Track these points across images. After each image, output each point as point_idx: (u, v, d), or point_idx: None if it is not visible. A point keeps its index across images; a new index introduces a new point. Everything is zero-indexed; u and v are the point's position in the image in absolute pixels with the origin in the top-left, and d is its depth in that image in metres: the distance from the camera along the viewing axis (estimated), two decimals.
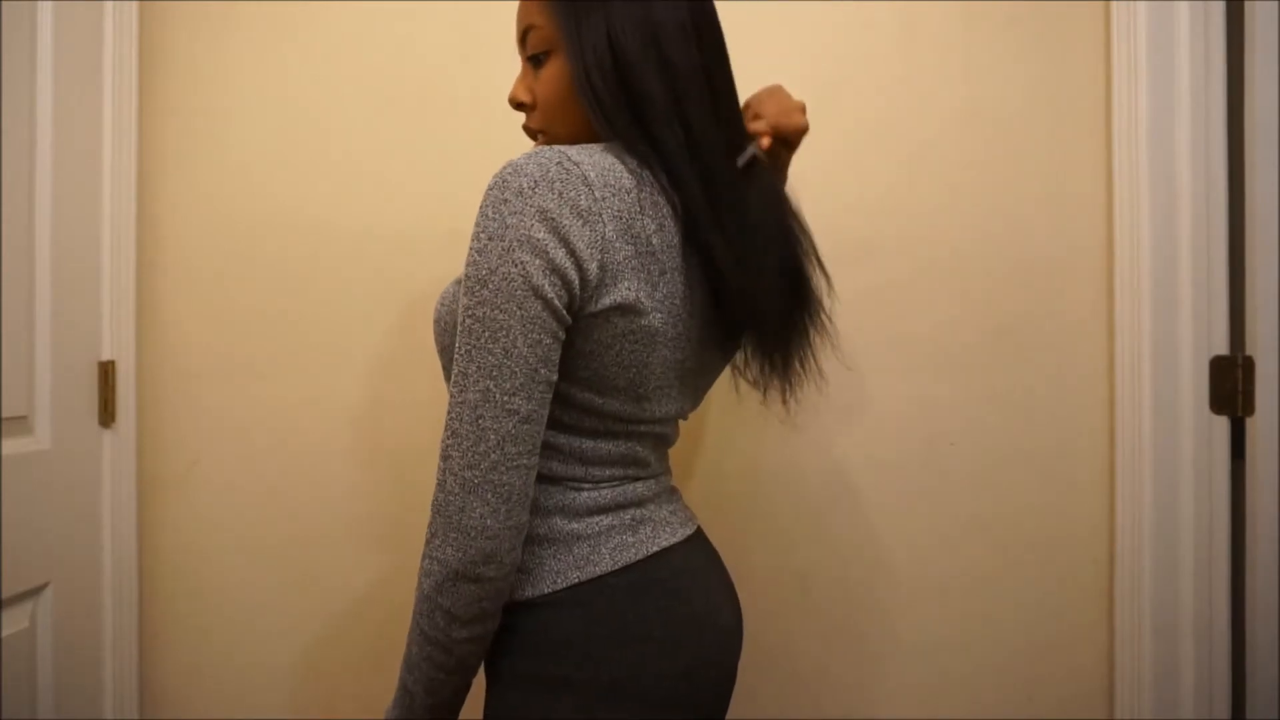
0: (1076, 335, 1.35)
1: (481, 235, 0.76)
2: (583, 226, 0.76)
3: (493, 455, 0.76)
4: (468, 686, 0.85)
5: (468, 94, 1.40)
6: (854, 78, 1.38)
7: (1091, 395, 1.35)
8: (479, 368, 0.75)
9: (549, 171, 0.77)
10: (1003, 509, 1.37)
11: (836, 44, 1.38)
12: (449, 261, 1.40)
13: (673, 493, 0.97)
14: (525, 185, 0.76)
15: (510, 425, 0.76)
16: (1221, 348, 1.29)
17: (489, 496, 0.76)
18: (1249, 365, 1.27)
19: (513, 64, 1.40)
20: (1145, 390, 1.30)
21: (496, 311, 0.75)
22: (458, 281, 0.90)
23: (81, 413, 1.31)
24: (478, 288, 0.75)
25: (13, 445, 1.17)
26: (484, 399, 0.75)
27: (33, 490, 1.20)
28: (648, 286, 0.81)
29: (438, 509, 0.77)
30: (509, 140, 1.39)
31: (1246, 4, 1.27)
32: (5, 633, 1.16)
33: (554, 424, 0.85)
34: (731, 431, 1.39)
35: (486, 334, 0.75)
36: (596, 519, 0.85)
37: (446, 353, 0.91)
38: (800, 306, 0.94)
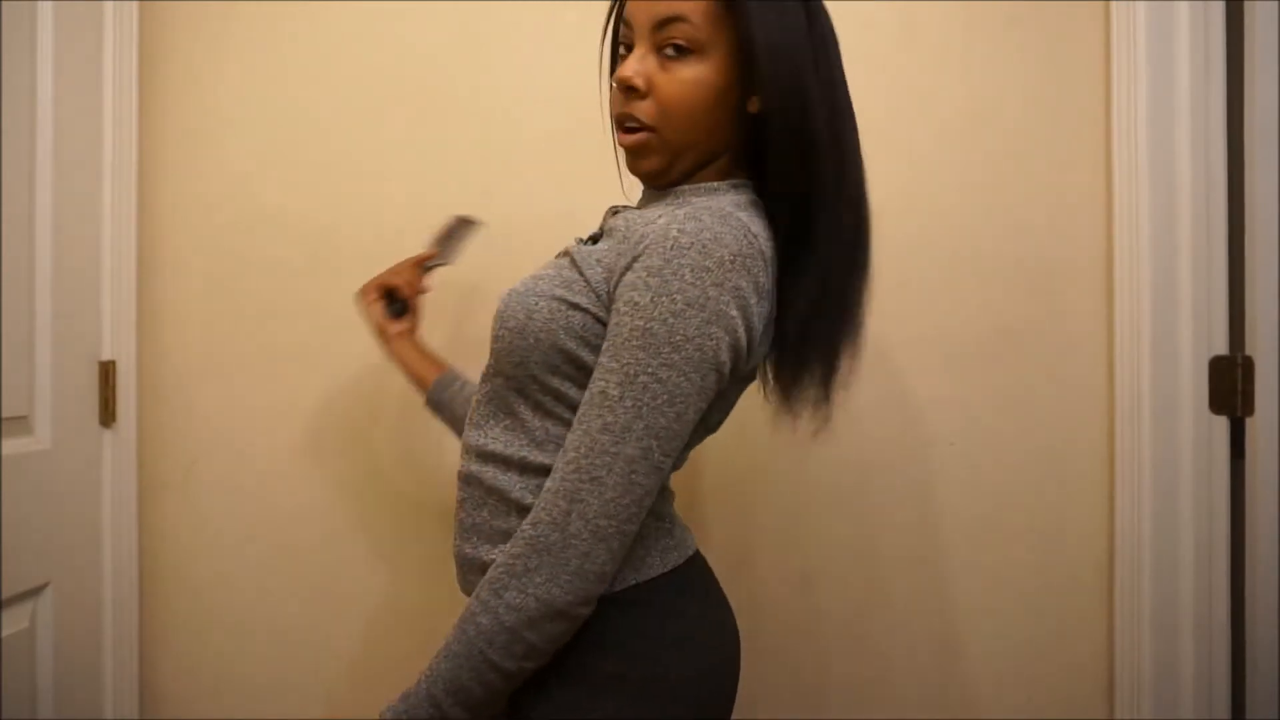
0: (1076, 335, 1.36)
1: (678, 298, 0.75)
2: (759, 304, 0.80)
3: (633, 509, 0.77)
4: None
5: (467, 94, 1.39)
6: (853, 78, 1.37)
7: (1091, 395, 1.35)
8: (647, 427, 0.76)
9: (743, 247, 0.78)
10: (1003, 509, 1.37)
11: None
12: None
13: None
14: (726, 258, 0.76)
15: (654, 481, 0.78)
16: (1221, 348, 1.29)
17: (615, 546, 0.77)
18: (1248, 365, 1.27)
19: (513, 64, 1.40)
20: (1145, 390, 1.30)
21: (682, 379, 0.76)
22: (557, 300, 0.83)
23: (81, 413, 1.30)
24: (668, 350, 0.76)
25: (13, 445, 1.17)
26: (643, 457, 0.76)
27: (33, 490, 1.20)
28: (763, 335, 0.84)
29: (547, 548, 0.76)
30: (509, 140, 1.40)
31: (1246, 4, 1.27)
32: (5, 633, 1.16)
33: None
34: (732, 432, 1.39)
35: (665, 397, 0.76)
36: (646, 522, 0.85)
37: (526, 365, 0.85)
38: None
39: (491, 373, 0.90)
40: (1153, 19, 1.29)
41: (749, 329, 0.79)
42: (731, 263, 0.76)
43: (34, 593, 1.22)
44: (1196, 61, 1.29)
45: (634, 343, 0.76)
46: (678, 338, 0.75)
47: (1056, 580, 1.36)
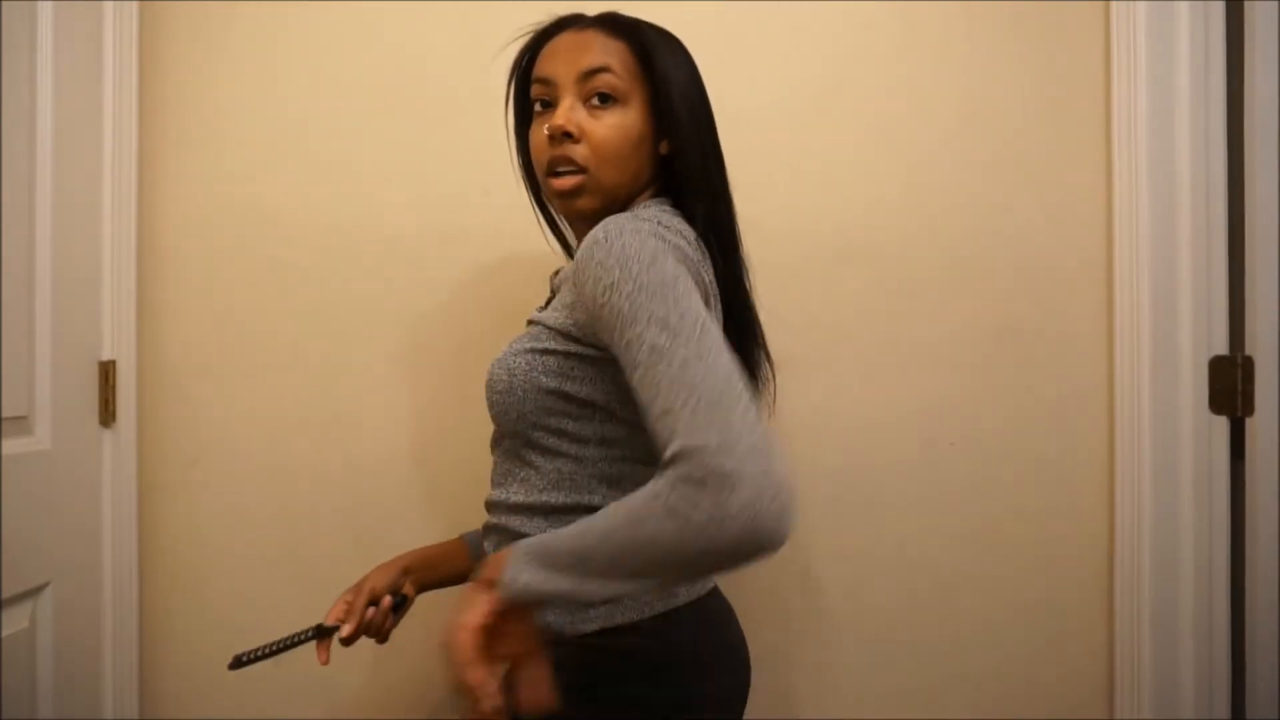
0: (1076, 335, 1.35)
1: (640, 258, 0.78)
2: (686, 248, 0.87)
3: (760, 424, 0.71)
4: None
5: (468, 93, 1.39)
6: (854, 78, 1.38)
7: (1091, 395, 1.35)
8: (717, 351, 0.73)
9: (655, 228, 0.84)
10: (1003, 509, 1.37)
11: (836, 44, 1.38)
12: (449, 262, 1.40)
13: None
14: (646, 228, 0.83)
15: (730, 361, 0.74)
16: (1221, 348, 1.29)
17: (778, 455, 0.70)
18: (1248, 365, 1.27)
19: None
20: (1145, 390, 1.30)
21: (697, 306, 0.76)
22: (530, 353, 0.90)
23: (81, 413, 1.30)
24: (667, 291, 0.76)
25: (13, 445, 1.17)
26: (730, 373, 0.72)
27: (33, 490, 1.20)
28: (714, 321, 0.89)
29: (743, 473, 0.67)
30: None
31: (1246, 4, 1.27)
32: (5, 633, 1.16)
33: (647, 459, 0.87)
34: None
35: (701, 323, 0.75)
36: None
37: (523, 418, 0.90)
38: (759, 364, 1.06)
39: (498, 436, 0.97)
40: (1153, 19, 1.29)
41: (697, 275, 0.85)
42: (651, 232, 0.82)
43: (34, 593, 1.22)
44: (1196, 61, 1.29)
45: (639, 302, 0.76)
46: (667, 279, 0.78)
47: (1056, 580, 1.36)
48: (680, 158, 0.96)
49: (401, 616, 1.09)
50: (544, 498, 0.91)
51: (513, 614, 0.74)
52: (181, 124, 1.43)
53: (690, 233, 0.92)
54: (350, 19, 1.41)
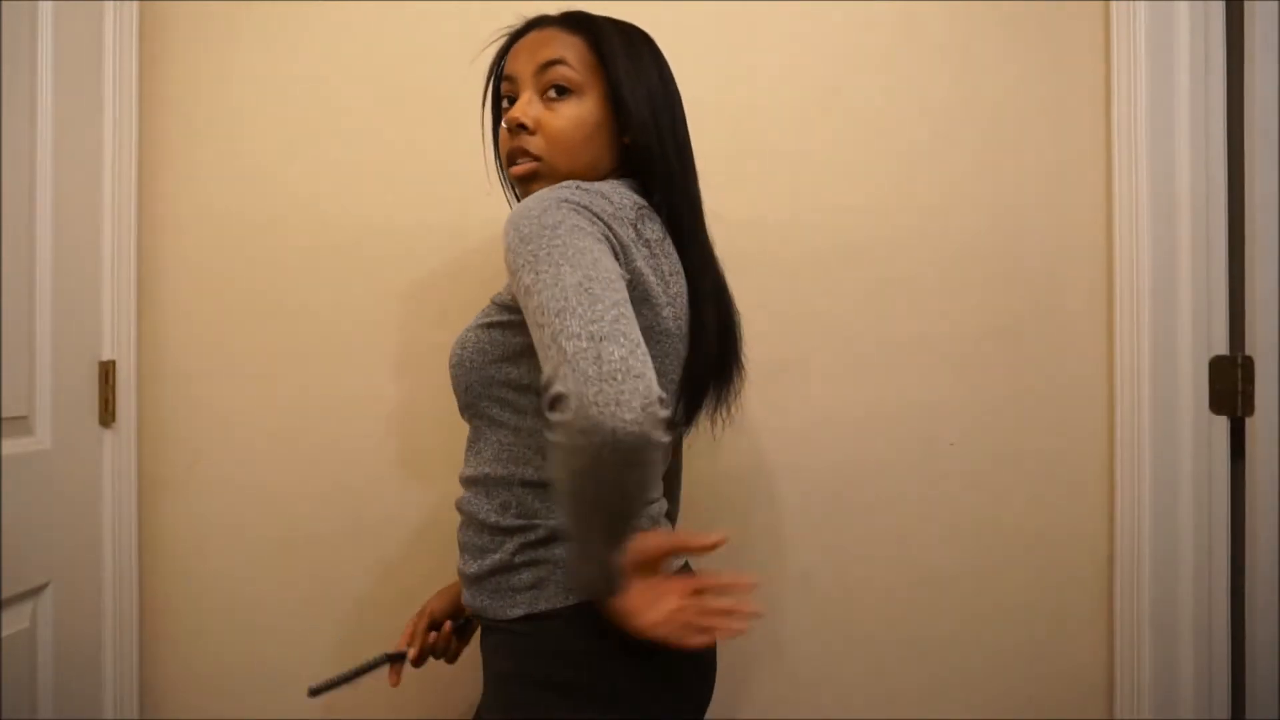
0: (1076, 335, 1.35)
1: (536, 221, 0.82)
2: (607, 221, 0.87)
3: (611, 313, 0.76)
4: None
5: (468, 93, 1.39)
6: (853, 77, 1.38)
7: (1091, 395, 1.35)
8: (572, 268, 0.78)
9: (570, 194, 0.87)
10: (1002, 508, 1.37)
11: (836, 43, 1.38)
12: (450, 260, 1.40)
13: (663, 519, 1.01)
14: (553, 194, 0.86)
15: (619, 294, 0.79)
16: (1221, 348, 1.29)
17: (622, 342, 0.74)
18: (1249, 365, 1.27)
19: None
20: (1145, 390, 1.30)
21: (576, 240, 0.81)
22: (480, 327, 0.97)
23: (82, 413, 1.30)
24: (549, 234, 0.81)
25: (13, 445, 1.17)
26: (586, 280, 0.77)
27: (33, 490, 1.20)
28: (658, 279, 0.93)
29: (568, 385, 0.73)
30: None
31: (1246, 4, 1.27)
32: (5, 633, 1.16)
33: None
34: (733, 432, 1.39)
35: (571, 249, 0.80)
36: None
37: (471, 390, 0.97)
38: (731, 351, 1.07)
39: (460, 411, 1.02)
40: (1153, 19, 1.29)
41: (608, 232, 0.86)
42: (558, 197, 0.86)
43: (34, 593, 1.22)
44: (1196, 61, 1.29)
45: (520, 253, 0.82)
46: (546, 225, 0.82)
47: (1056, 580, 1.36)
48: (636, 146, 0.99)
49: (468, 638, 1.14)
50: (485, 470, 0.96)
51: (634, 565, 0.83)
52: (181, 124, 1.43)
53: (629, 199, 0.94)
54: (350, 19, 1.41)
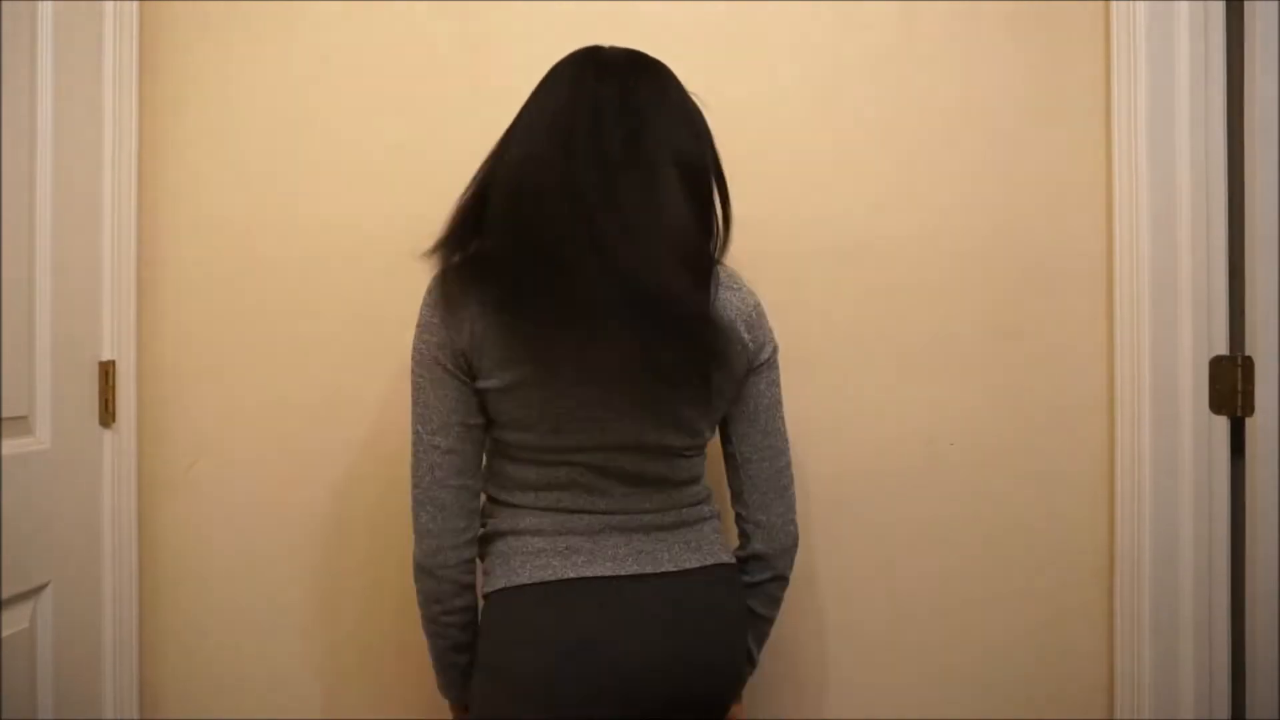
0: (1076, 335, 1.36)
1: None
2: (435, 330, 1.04)
3: (426, 477, 1.01)
4: (465, 655, 1.07)
5: (469, 92, 1.40)
6: (853, 78, 1.38)
7: (1091, 395, 1.35)
8: (414, 419, 1.02)
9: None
10: (1002, 509, 1.37)
11: (836, 44, 1.38)
12: None
13: (638, 531, 1.03)
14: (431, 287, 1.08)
15: (434, 455, 1.01)
16: (1221, 348, 1.29)
17: (429, 507, 1.01)
18: (1248, 365, 1.27)
19: (515, 64, 1.40)
20: (1145, 390, 1.30)
21: (419, 379, 1.02)
22: None
23: (82, 412, 1.30)
24: (412, 366, 1.04)
25: (13, 445, 1.17)
26: (415, 439, 1.02)
27: (33, 490, 1.20)
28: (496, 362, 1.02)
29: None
30: None
31: (1246, 4, 1.27)
32: (5, 633, 1.16)
33: (501, 454, 1.06)
34: None
35: (414, 394, 1.02)
36: (527, 541, 1.02)
37: None
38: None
39: None
40: (1153, 19, 1.29)
41: (442, 341, 1.02)
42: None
43: (34, 593, 1.22)
44: (1196, 61, 1.29)
45: None
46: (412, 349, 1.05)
47: (1056, 580, 1.36)
48: None
49: None
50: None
51: None
52: (181, 124, 1.43)
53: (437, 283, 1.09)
54: (351, 19, 1.41)
